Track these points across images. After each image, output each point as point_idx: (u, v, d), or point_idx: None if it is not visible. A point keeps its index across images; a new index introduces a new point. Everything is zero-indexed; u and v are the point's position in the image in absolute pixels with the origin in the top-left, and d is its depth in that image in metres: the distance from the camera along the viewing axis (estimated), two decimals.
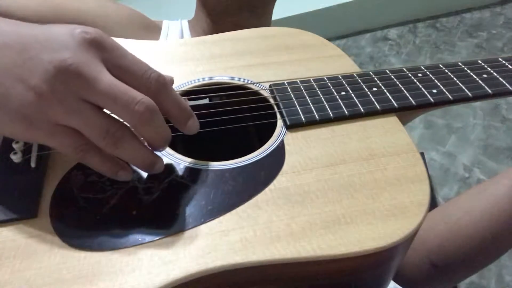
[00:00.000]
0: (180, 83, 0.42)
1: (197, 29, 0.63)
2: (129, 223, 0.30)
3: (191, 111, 0.32)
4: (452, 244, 0.42)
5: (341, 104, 0.39)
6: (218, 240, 0.29)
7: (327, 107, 0.38)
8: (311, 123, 0.37)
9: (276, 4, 0.63)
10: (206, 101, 0.45)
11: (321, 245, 0.29)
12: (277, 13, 0.67)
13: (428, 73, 0.42)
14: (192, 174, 0.33)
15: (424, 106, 0.39)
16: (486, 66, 0.43)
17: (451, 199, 0.46)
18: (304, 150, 0.35)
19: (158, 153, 0.34)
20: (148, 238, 0.29)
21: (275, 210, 0.31)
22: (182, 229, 0.30)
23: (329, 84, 0.41)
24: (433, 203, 0.42)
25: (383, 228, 0.30)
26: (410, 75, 0.42)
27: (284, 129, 0.37)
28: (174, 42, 0.51)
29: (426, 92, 0.40)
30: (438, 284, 0.47)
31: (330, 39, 0.46)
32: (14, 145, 0.33)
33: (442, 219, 0.44)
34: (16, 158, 0.33)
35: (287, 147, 0.35)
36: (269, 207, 0.31)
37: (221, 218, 0.30)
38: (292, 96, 0.40)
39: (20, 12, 0.50)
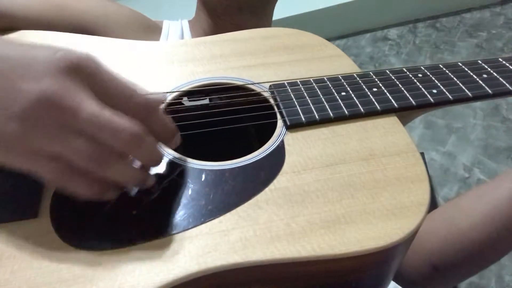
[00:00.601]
0: (181, 83, 0.42)
1: (197, 29, 0.63)
2: (129, 223, 0.30)
3: (175, 128, 0.32)
4: (452, 247, 0.42)
5: (341, 104, 0.39)
6: (218, 239, 0.29)
7: (327, 107, 0.38)
8: (311, 123, 0.37)
9: (276, 4, 0.63)
10: (206, 101, 0.45)
11: (321, 245, 0.29)
12: (277, 13, 0.67)
13: (428, 73, 0.42)
14: (192, 174, 0.33)
15: (424, 106, 0.39)
16: (486, 66, 0.43)
17: (451, 201, 0.46)
18: (304, 150, 0.35)
19: None
20: (148, 237, 0.29)
21: (275, 210, 0.31)
22: (182, 229, 0.30)
23: (329, 85, 0.41)
24: (433, 203, 0.42)
25: (383, 228, 0.30)
26: (410, 75, 0.42)
27: (284, 129, 0.37)
28: (174, 43, 0.51)
29: (426, 92, 0.40)
30: (438, 285, 0.47)
31: (330, 39, 0.46)
32: None
33: (443, 221, 0.44)
34: None
35: (287, 147, 0.36)
36: (269, 206, 0.31)
37: (221, 217, 0.30)
38: (292, 96, 0.40)
39: (22, 12, 0.50)
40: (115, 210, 0.31)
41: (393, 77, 0.42)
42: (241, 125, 0.39)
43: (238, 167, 0.34)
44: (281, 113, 0.38)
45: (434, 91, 0.40)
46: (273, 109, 0.40)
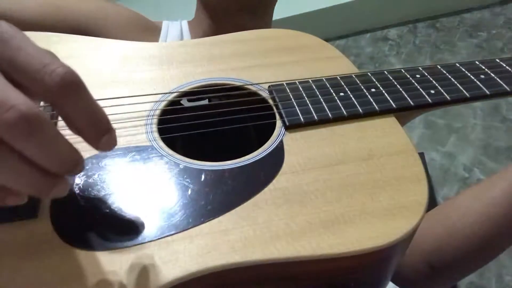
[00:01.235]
0: (180, 84, 0.42)
1: (197, 30, 0.63)
2: (129, 223, 0.30)
3: (108, 125, 0.24)
4: (449, 246, 0.42)
5: (340, 104, 0.39)
6: (218, 239, 0.29)
7: (326, 107, 0.39)
8: (310, 124, 0.38)
9: (276, 4, 0.63)
10: (205, 102, 0.45)
11: (320, 244, 0.29)
12: (277, 13, 0.67)
13: (426, 74, 0.43)
14: (192, 174, 0.34)
15: (422, 106, 0.40)
16: (483, 67, 0.43)
17: (448, 200, 0.47)
18: (303, 150, 0.35)
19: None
20: (148, 237, 0.29)
21: (274, 210, 0.31)
22: (182, 229, 0.30)
23: (328, 85, 0.41)
24: (433, 203, 0.42)
25: (382, 228, 0.30)
26: (408, 76, 0.42)
27: (283, 130, 0.37)
28: (174, 44, 0.51)
29: (424, 93, 0.40)
30: (436, 284, 0.48)
31: (330, 39, 0.47)
32: None
33: (439, 221, 0.44)
34: None
35: (286, 147, 0.36)
36: (268, 206, 0.31)
37: (221, 217, 0.30)
38: (291, 97, 0.40)
39: (20, 13, 0.50)
40: (115, 209, 0.31)
41: (391, 78, 0.42)
42: (240, 125, 0.40)
43: (238, 167, 0.34)
44: (280, 113, 0.39)
45: (432, 91, 0.40)
46: (272, 110, 0.40)
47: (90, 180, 0.33)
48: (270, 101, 0.41)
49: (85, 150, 0.26)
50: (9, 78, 0.21)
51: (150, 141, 0.36)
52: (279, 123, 0.38)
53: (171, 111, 0.40)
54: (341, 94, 0.40)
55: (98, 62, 0.44)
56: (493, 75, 0.42)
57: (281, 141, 0.36)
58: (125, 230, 0.30)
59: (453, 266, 0.43)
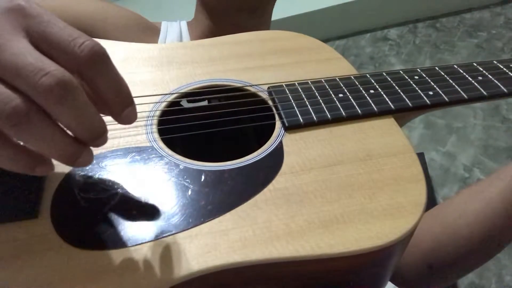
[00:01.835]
0: (179, 85, 0.42)
1: (196, 30, 0.63)
2: (129, 223, 0.30)
3: (131, 98, 0.26)
4: (447, 246, 0.43)
5: (339, 105, 0.39)
6: (218, 239, 0.29)
7: (325, 108, 0.39)
8: (309, 125, 0.38)
9: (276, 4, 0.63)
10: (205, 103, 0.45)
11: (319, 244, 0.29)
12: (277, 13, 0.67)
13: (424, 75, 0.43)
14: (192, 174, 0.34)
15: (420, 107, 0.40)
16: (481, 69, 0.43)
17: (446, 200, 0.47)
18: (303, 151, 0.36)
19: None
20: (148, 237, 0.29)
21: (274, 210, 0.31)
22: (182, 229, 0.30)
23: (327, 86, 0.41)
24: (433, 204, 0.42)
25: (381, 228, 0.30)
26: (406, 77, 0.43)
27: (282, 131, 0.38)
28: (173, 45, 0.51)
29: (422, 94, 0.40)
30: (435, 284, 0.48)
31: (330, 39, 0.47)
32: None
33: (437, 220, 0.44)
34: None
35: (285, 148, 0.36)
36: (268, 207, 0.31)
37: (221, 217, 0.31)
38: (291, 98, 0.40)
39: None
40: (116, 209, 0.31)
41: (389, 79, 0.42)
42: (240, 126, 0.40)
43: (237, 167, 0.34)
44: (279, 114, 0.39)
45: (430, 93, 0.41)
46: (272, 111, 0.40)
47: (91, 181, 0.33)
48: (270, 102, 0.41)
49: None
50: (40, 50, 0.23)
51: (150, 141, 0.36)
52: (278, 124, 0.38)
53: (171, 112, 0.40)
54: (340, 95, 0.40)
55: None
56: (490, 76, 0.42)
57: (281, 142, 0.37)
58: (125, 230, 0.30)
59: (452, 265, 0.44)
